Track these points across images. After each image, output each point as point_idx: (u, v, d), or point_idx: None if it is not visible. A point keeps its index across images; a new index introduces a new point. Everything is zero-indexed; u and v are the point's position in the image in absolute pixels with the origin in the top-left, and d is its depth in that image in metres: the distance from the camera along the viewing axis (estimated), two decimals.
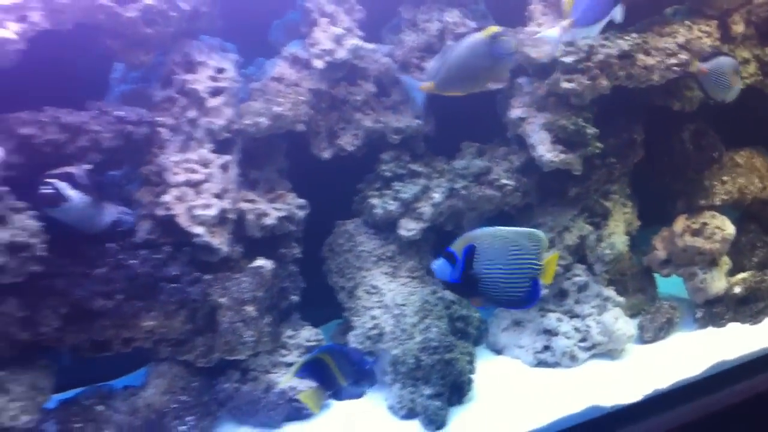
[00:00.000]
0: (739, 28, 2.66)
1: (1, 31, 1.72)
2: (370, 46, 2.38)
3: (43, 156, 1.82)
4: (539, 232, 1.74)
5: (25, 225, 1.75)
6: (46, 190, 1.75)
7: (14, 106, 1.85)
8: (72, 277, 1.91)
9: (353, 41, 2.31)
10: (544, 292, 2.45)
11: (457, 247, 1.68)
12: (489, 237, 1.73)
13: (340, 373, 1.88)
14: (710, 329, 2.74)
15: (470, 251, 1.72)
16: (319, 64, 2.28)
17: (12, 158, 1.75)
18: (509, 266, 1.73)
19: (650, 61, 2.40)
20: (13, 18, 1.77)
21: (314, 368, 1.90)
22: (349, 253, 2.55)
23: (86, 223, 1.91)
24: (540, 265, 1.71)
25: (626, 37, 2.43)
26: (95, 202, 1.88)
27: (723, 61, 2.37)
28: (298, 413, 2.23)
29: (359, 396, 2.05)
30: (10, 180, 1.75)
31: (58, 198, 1.77)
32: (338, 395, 1.97)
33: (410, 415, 2.21)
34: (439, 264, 1.70)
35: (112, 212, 1.98)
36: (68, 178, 1.80)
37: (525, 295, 1.78)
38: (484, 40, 2.01)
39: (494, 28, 2.00)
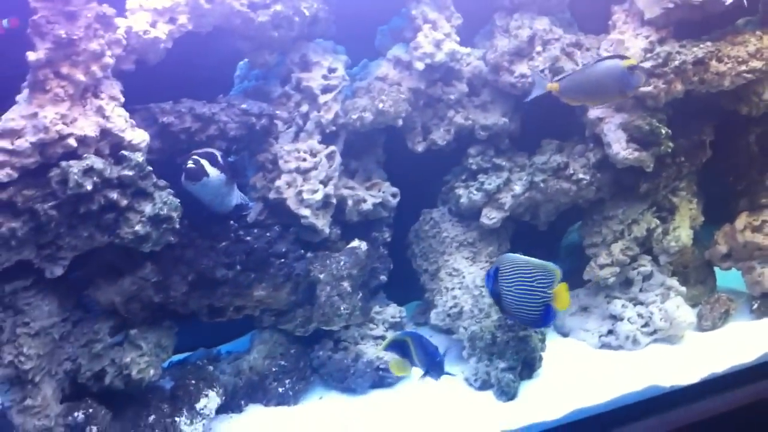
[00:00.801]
0: None
1: (154, 30, 1.94)
2: (466, 50, 2.51)
3: (179, 142, 2.05)
4: (553, 266, 2.00)
5: (166, 200, 1.95)
6: (191, 164, 1.95)
7: (157, 97, 2.08)
8: (199, 249, 2.13)
9: (451, 45, 2.45)
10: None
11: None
12: (510, 263, 2.02)
13: (417, 357, 2.07)
14: (765, 320, 2.77)
15: (496, 272, 2.03)
16: (419, 65, 2.42)
17: (154, 143, 1.98)
18: (523, 290, 2.02)
19: (722, 67, 2.47)
20: (165, 20, 1.99)
21: (398, 346, 2.12)
22: (433, 238, 2.71)
23: (217, 201, 2.11)
24: (550, 294, 1.99)
25: (701, 45, 2.50)
26: (228, 181, 2.08)
27: None
28: (382, 381, 2.43)
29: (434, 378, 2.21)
30: (151, 162, 1.95)
31: (201, 173, 1.97)
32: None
33: (484, 386, 2.38)
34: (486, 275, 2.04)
35: (238, 195, 2.19)
36: (210, 158, 1.99)
37: (539, 317, 2.06)
38: (623, 69, 2.18)
39: (633, 61, 2.18)
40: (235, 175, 2.14)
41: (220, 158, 2.02)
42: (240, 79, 2.44)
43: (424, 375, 2.10)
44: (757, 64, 2.52)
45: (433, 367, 2.13)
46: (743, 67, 2.50)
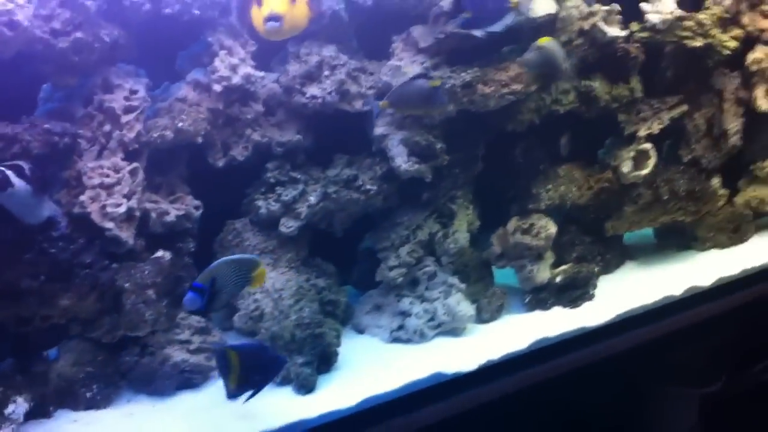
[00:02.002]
0: (564, 64, 2.91)
1: None
2: (260, 73, 2.72)
3: None
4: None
5: None
6: None
7: None
8: (5, 261, 2.23)
9: (246, 69, 2.66)
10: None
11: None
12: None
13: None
14: (537, 312, 3.04)
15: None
16: (217, 87, 2.61)
17: None
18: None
19: (487, 90, 2.76)
20: None
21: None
22: (236, 247, 2.86)
23: (26, 212, 2.19)
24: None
25: (469, 71, 2.79)
26: (36, 193, 2.16)
27: None
28: (189, 383, 2.52)
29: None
30: None
31: (6, 183, 2.04)
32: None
33: (284, 382, 2.50)
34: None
35: (49, 207, 2.28)
36: (16, 169, 2.09)
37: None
38: (429, 87, 2.52)
39: (437, 82, 2.52)
40: (44, 188, 2.24)
41: (27, 171, 2.11)
42: (44, 101, 2.53)
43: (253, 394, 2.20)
44: (517, 87, 2.81)
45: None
46: (505, 90, 2.80)
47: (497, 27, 2.73)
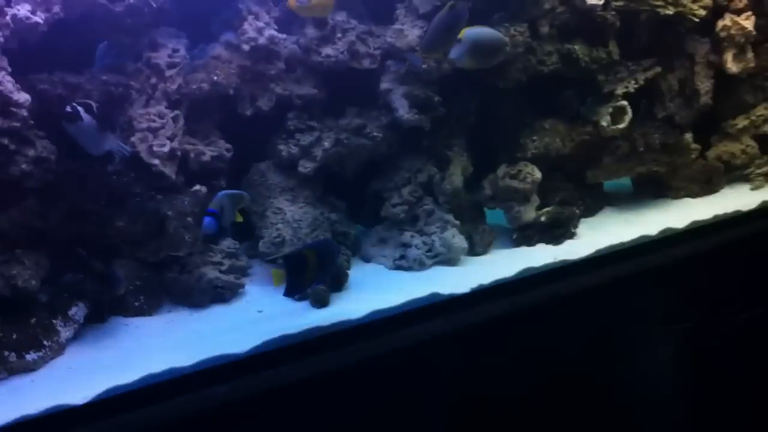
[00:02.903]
0: (545, 29, 3.35)
1: (35, 17, 2.42)
2: (282, 35, 3.04)
3: (52, 105, 2.51)
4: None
5: (45, 146, 2.44)
6: (68, 109, 2.34)
7: (37, 69, 2.53)
8: (72, 187, 2.61)
9: (270, 32, 2.99)
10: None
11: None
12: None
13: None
14: (523, 248, 3.32)
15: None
16: (246, 47, 2.94)
17: (33, 105, 2.43)
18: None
19: None
20: (42, 9, 2.47)
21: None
22: (261, 186, 3.15)
23: (91, 144, 2.47)
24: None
25: None
26: (100, 127, 2.43)
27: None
28: (220, 297, 2.82)
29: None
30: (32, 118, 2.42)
31: (76, 117, 2.33)
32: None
33: (302, 298, 2.76)
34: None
35: (111, 143, 2.57)
36: (85, 106, 2.38)
37: None
38: (444, 13, 2.72)
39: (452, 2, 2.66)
40: (107, 124, 2.52)
41: (95, 108, 2.41)
42: (100, 59, 2.87)
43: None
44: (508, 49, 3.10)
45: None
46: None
47: None
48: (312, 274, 2.44)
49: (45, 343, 2.51)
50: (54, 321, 2.58)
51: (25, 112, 2.40)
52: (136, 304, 2.82)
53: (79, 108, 2.35)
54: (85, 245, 2.72)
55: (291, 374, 2.46)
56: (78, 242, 2.71)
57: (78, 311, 2.65)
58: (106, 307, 2.78)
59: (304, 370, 2.48)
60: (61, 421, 2.13)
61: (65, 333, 2.59)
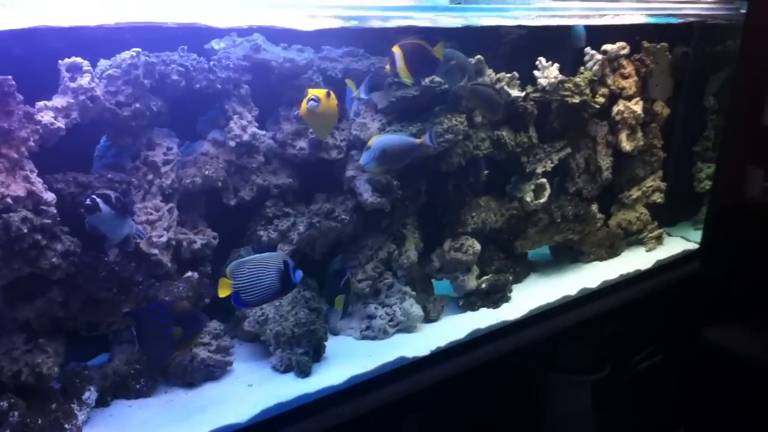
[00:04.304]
0: (478, 119, 3.67)
1: (57, 122, 2.61)
2: (262, 132, 3.29)
3: (66, 202, 2.68)
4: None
5: (72, 240, 2.62)
6: (88, 201, 2.49)
7: (50, 169, 2.69)
8: (88, 277, 2.77)
9: (252, 129, 3.23)
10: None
11: None
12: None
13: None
14: (468, 313, 3.66)
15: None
16: (231, 143, 3.17)
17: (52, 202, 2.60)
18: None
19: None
20: (62, 115, 2.66)
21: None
22: None
23: (110, 231, 2.61)
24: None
25: (414, 125, 3.39)
26: (118, 215, 2.56)
27: None
28: (211, 375, 2.97)
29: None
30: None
31: (95, 208, 2.48)
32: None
33: (287, 369, 2.97)
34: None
35: (129, 227, 2.69)
36: (104, 197, 2.52)
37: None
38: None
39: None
40: (125, 212, 2.65)
41: (113, 198, 2.54)
42: (98, 158, 3.01)
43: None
44: (449, 136, 3.45)
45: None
46: (440, 139, 3.44)
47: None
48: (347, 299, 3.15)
49: (66, 426, 2.66)
50: (72, 405, 2.73)
51: (53, 210, 2.59)
52: (137, 386, 2.97)
53: (98, 199, 2.51)
54: (95, 331, 2.92)
55: None
56: (89, 329, 2.90)
57: (90, 395, 2.81)
58: (110, 392, 2.93)
59: None
60: None
61: (81, 416, 2.75)
